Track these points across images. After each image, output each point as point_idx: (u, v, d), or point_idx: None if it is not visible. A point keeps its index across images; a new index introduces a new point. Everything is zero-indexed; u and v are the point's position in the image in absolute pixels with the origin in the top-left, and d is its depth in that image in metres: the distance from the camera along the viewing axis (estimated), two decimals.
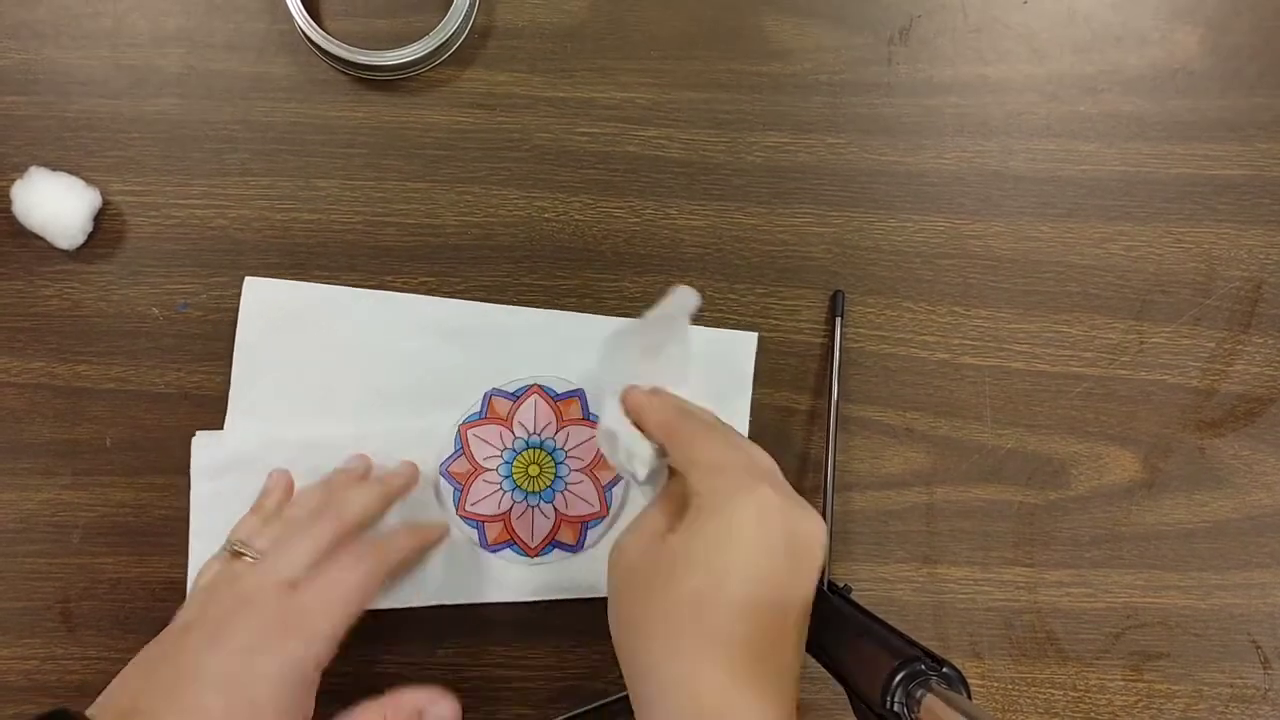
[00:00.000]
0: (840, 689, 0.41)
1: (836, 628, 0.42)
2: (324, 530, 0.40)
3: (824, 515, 0.46)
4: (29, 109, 0.46)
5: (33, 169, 0.45)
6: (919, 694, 0.35)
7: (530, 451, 0.46)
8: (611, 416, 0.39)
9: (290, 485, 0.44)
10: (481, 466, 0.46)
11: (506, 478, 0.46)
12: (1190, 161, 0.50)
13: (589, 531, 0.46)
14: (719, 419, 0.39)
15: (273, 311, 0.46)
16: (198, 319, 0.47)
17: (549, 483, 0.46)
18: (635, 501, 0.46)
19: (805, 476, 0.49)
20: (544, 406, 0.46)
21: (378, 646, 0.47)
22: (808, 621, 0.36)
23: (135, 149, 0.47)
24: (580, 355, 0.47)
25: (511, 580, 0.47)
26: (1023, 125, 0.49)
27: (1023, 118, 0.49)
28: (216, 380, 0.46)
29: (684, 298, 0.40)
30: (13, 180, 0.45)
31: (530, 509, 0.46)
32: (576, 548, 0.46)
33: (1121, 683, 0.50)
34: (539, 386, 0.46)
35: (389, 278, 0.47)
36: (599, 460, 0.46)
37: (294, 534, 0.40)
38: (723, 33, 0.49)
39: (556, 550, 0.46)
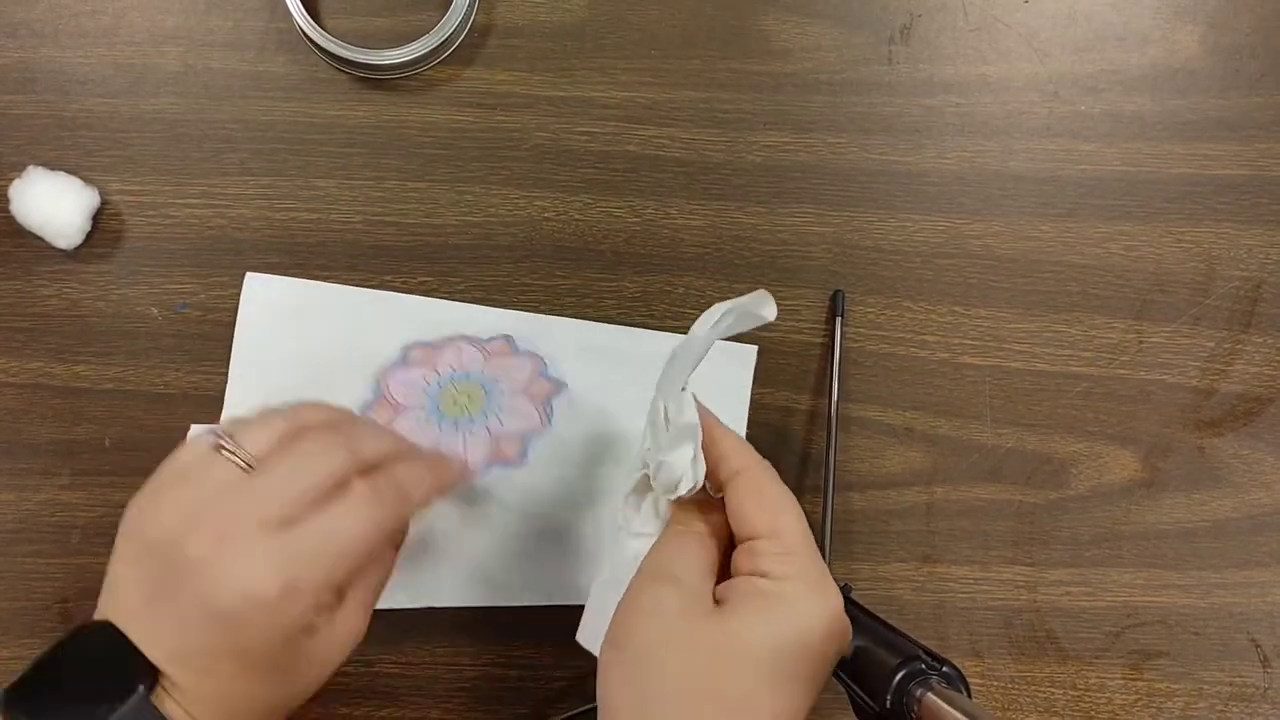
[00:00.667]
0: (840, 688, 0.41)
1: None
2: (334, 460, 0.33)
3: (824, 515, 0.46)
4: (27, 108, 0.46)
5: (31, 168, 0.45)
6: (919, 693, 0.35)
7: (456, 384, 0.45)
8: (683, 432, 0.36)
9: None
10: (400, 405, 0.45)
11: (432, 410, 0.45)
12: (1190, 161, 0.50)
13: (530, 445, 0.45)
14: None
15: (272, 308, 0.46)
16: (197, 319, 0.47)
17: (479, 408, 0.45)
18: (607, 484, 0.44)
19: (805, 476, 0.49)
20: (470, 350, 0.45)
21: (376, 646, 0.47)
22: None
23: (134, 148, 0.47)
24: (581, 361, 0.47)
25: (503, 583, 0.47)
26: (1023, 125, 0.49)
27: (1023, 117, 0.49)
28: (216, 380, 0.46)
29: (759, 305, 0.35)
30: (11, 180, 0.45)
31: (462, 433, 0.45)
32: (518, 463, 0.45)
33: (1121, 681, 0.50)
34: (463, 336, 0.45)
35: (388, 277, 0.47)
36: (535, 382, 0.45)
37: (296, 453, 0.33)
38: (723, 32, 0.49)
39: (497, 469, 0.45)
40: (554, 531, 0.47)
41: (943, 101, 0.49)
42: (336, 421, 0.36)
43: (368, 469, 0.35)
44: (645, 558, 0.35)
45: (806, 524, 0.34)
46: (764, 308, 0.35)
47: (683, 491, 0.35)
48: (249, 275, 0.46)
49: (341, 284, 0.47)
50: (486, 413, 0.45)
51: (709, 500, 0.36)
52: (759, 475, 0.34)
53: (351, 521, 0.33)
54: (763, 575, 0.32)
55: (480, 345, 0.46)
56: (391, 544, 0.37)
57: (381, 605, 0.45)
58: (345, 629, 0.34)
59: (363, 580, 0.35)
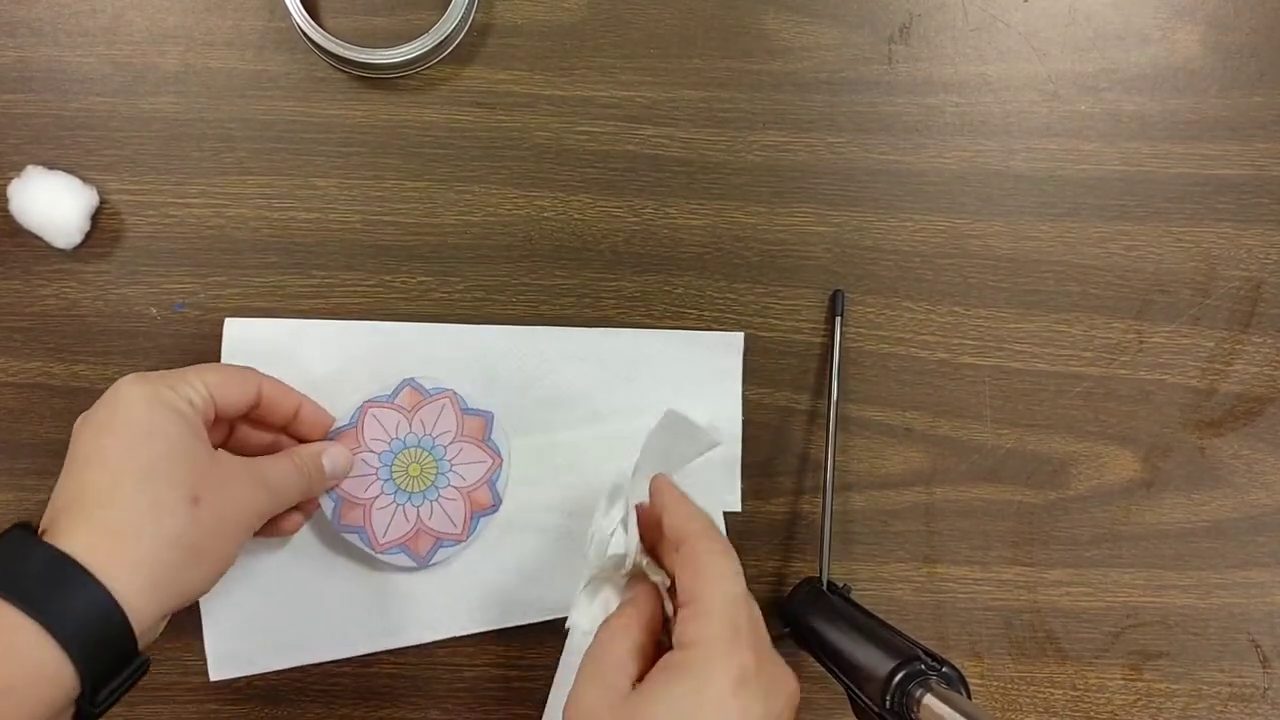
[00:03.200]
0: (840, 689, 0.41)
1: (836, 627, 0.42)
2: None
3: (823, 515, 0.46)
4: (26, 107, 0.46)
5: (29, 168, 0.45)
6: (919, 693, 0.36)
7: (418, 451, 0.45)
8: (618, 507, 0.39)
9: None
10: (366, 446, 0.45)
11: (385, 465, 0.45)
12: (1190, 161, 0.50)
13: (440, 549, 0.45)
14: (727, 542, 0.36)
15: (255, 350, 0.45)
16: (195, 319, 0.47)
17: (423, 488, 0.45)
18: (518, 551, 0.45)
19: (805, 476, 0.49)
20: (450, 414, 0.45)
21: None
22: None
23: (132, 147, 0.47)
24: (571, 367, 0.47)
25: (438, 618, 0.46)
26: (1023, 124, 0.49)
27: (1023, 117, 0.49)
28: None
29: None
30: (9, 179, 0.45)
31: (396, 507, 0.45)
32: (422, 561, 0.45)
33: (1121, 682, 0.50)
34: (453, 394, 0.45)
35: (387, 277, 0.47)
36: (479, 487, 0.45)
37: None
38: (722, 31, 0.48)
39: (402, 555, 0.45)
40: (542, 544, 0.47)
41: (942, 101, 0.49)
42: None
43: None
44: (584, 656, 0.36)
45: (736, 587, 0.34)
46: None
47: (615, 552, 0.37)
48: (228, 321, 0.45)
49: (340, 283, 0.47)
50: (426, 496, 0.45)
51: (650, 586, 0.37)
52: (696, 544, 0.35)
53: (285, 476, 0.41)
54: (678, 645, 0.33)
55: (461, 414, 0.45)
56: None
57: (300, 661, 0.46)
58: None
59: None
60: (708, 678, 0.32)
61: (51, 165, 0.46)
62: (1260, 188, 0.50)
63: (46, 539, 0.32)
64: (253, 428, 0.43)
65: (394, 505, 0.45)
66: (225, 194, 0.47)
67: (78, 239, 0.45)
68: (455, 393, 0.45)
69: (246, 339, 0.46)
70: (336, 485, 0.44)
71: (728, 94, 0.48)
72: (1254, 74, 0.50)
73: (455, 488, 0.45)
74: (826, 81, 0.49)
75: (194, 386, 0.38)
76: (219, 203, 0.47)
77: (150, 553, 0.33)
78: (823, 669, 0.42)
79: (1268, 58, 0.50)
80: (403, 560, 0.45)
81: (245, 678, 0.46)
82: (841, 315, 0.48)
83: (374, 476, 0.44)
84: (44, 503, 0.46)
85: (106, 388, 0.46)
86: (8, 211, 0.45)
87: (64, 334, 0.47)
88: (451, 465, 0.45)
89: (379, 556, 0.45)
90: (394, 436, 0.45)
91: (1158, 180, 0.50)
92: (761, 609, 0.48)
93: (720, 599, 0.34)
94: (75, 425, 0.37)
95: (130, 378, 0.37)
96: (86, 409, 0.46)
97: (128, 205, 0.47)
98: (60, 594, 0.31)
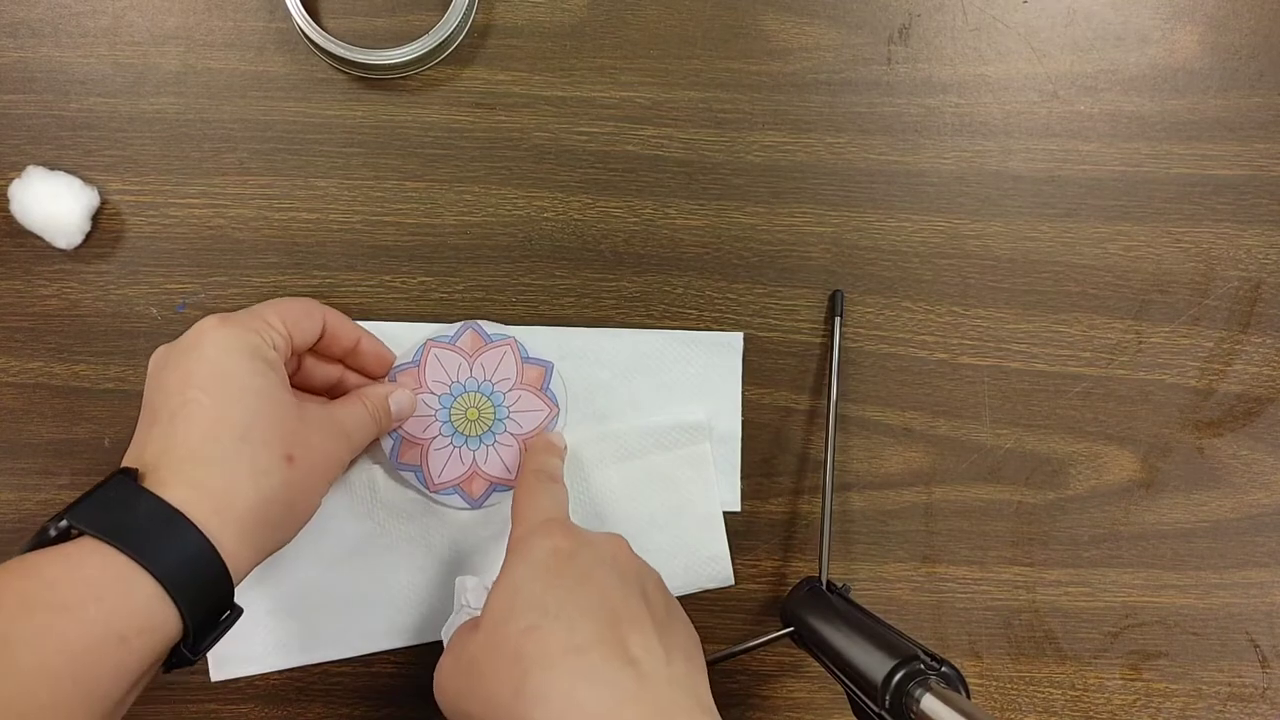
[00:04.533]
0: (839, 689, 0.41)
1: (835, 627, 0.42)
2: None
3: (823, 515, 0.46)
4: (26, 107, 0.46)
5: (30, 168, 0.45)
6: (918, 693, 0.36)
7: (477, 396, 0.46)
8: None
9: None
10: (427, 387, 0.45)
11: (445, 408, 0.46)
12: (1189, 161, 0.50)
13: (494, 494, 0.46)
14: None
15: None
16: (195, 319, 0.47)
17: (480, 432, 0.46)
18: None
19: (804, 476, 0.49)
20: (511, 361, 0.46)
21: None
22: (668, 598, 0.38)
23: (133, 148, 0.47)
24: (570, 367, 0.47)
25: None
26: (1022, 125, 0.49)
27: (1022, 117, 0.49)
28: None
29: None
30: (10, 179, 0.45)
31: (453, 449, 0.46)
32: (475, 503, 0.46)
33: (1120, 682, 0.50)
34: (515, 342, 0.46)
35: (387, 277, 0.47)
36: (536, 433, 0.47)
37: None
38: (722, 32, 0.49)
39: (455, 496, 0.46)
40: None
41: (942, 101, 0.49)
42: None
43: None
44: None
45: (556, 500, 0.40)
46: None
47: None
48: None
49: (339, 284, 0.47)
50: (483, 441, 0.46)
51: None
52: (527, 477, 0.42)
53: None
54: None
55: (522, 362, 0.46)
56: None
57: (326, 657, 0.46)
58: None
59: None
60: (527, 549, 0.36)
61: (52, 166, 0.46)
62: (1259, 188, 0.50)
63: (147, 487, 0.33)
64: (316, 360, 0.44)
65: (451, 447, 0.46)
66: (226, 194, 0.47)
67: (79, 239, 0.46)
68: (516, 340, 0.46)
69: None
70: (399, 426, 0.45)
71: (727, 94, 0.49)
72: (1253, 74, 0.50)
73: (512, 434, 0.46)
74: (826, 82, 0.49)
75: (274, 327, 0.38)
76: (219, 203, 0.47)
77: (248, 509, 0.34)
78: (822, 669, 0.42)
79: (1266, 58, 0.50)
80: (456, 501, 0.46)
81: (245, 678, 0.46)
82: (840, 315, 0.48)
83: (433, 418, 0.45)
84: (46, 502, 0.46)
85: (107, 388, 0.47)
86: (9, 212, 0.45)
87: (65, 334, 0.47)
88: (509, 412, 0.46)
89: (433, 496, 0.46)
90: (454, 380, 0.46)
91: (1157, 181, 0.50)
92: (761, 609, 0.49)
93: (537, 508, 0.39)
94: (153, 362, 0.37)
95: (213, 320, 0.37)
96: (87, 410, 0.46)
97: (128, 205, 0.47)
98: (168, 545, 0.32)
